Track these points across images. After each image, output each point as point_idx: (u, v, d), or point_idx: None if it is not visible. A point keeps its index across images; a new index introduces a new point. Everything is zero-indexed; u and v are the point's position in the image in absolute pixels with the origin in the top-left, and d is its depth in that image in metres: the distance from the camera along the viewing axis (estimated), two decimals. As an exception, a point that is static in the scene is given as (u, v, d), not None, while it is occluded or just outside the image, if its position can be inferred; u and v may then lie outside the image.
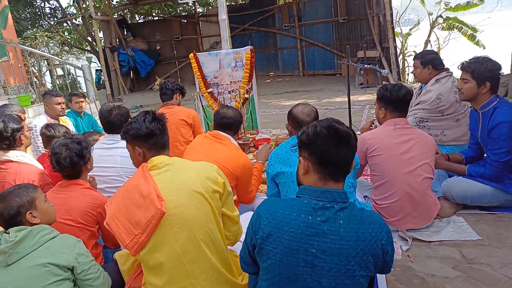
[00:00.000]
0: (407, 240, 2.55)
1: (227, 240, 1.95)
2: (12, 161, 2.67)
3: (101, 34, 13.06)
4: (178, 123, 3.87)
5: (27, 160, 2.76)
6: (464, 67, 2.79)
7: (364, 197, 2.92)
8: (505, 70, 4.31)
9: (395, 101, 2.67)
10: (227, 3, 10.57)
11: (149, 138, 1.94)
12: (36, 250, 1.78)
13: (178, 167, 1.90)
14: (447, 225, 2.68)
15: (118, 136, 2.80)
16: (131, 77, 14.06)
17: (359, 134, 2.84)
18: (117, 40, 13.13)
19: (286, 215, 1.46)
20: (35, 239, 1.79)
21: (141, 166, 1.92)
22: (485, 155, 2.91)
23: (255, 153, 4.69)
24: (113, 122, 2.92)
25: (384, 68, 7.65)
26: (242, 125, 3.02)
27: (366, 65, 4.80)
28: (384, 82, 9.03)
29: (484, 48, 10.87)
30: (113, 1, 14.38)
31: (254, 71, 5.28)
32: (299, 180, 1.59)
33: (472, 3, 10.73)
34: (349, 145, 1.49)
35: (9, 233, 1.79)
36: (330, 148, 1.46)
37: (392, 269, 2.23)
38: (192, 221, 1.78)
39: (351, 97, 4.77)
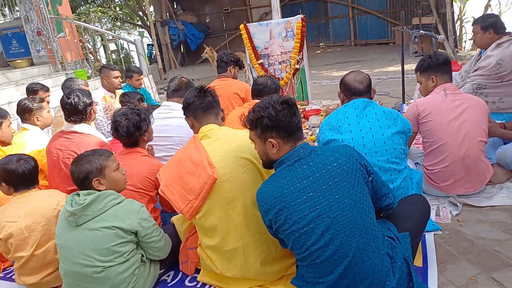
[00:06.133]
0: (457, 205, 2.57)
1: None
2: (77, 132, 2.80)
3: (151, 9, 13.26)
4: (230, 96, 3.87)
5: (90, 131, 2.88)
6: None
7: (416, 164, 2.96)
8: None
9: (442, 64, 2.73)
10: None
11: (189, 108, 2.13)
12: (103, 213, 1.91)
13: (227, 136, 2.04)
14: (500, 190, 2.66)
15: (174, 105, 3.02)
16: (182, 51, 14.31)
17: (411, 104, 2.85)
18: (168, 14, 13.35)
19: None
20: (103, 204, 1.91)
21: (193, 137, 2.09)
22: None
23: (305, 123, 4.78)
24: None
25: (440, 35, 7.32)
26: (277, 90, 3.05)
27: (421, 31, 4.66)
28: (440, 50, 8.63)
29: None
30: (163, -26, 14.54)
31: (305, 41, 5.29)
32: None
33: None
34: None
35: (79, 196, 1.94)
36: None
37: (441, 232, 2.32)
38: (244, 186, 1.92)
39: (405, 66, 4.69)
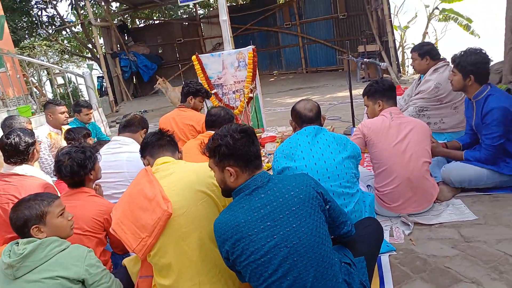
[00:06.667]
0: (409, 225, 2.65)
1: None
2: (17, 174, 2.62)
3: (101, 41, 13.08)
4: (185, 128, 3.79)
5: (32, 173, 2.71)
6: (452, 59, 2.93)
7: (367, 186, 3.05)
8: (499, 57, 4.39)
9: (389, 89, 2.88)
10: (228, 4, 10.64)
11: (146, 147, 2.17)
12: (46, 262, 1.74)
13: (182, 169, 1.99)
14: (446, 207, 2.78)
15: (124, 139, 2.96)
16: (134, 82, 14.14)
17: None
18: (118, 45, 13.23)
19: None
20: (45, 252, 1.75)
21: (144, 170, 2.01)
22: (480, 140, 3.02)
23: (261, 151, 4.81)
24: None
25: (384, 62, 7.76)
26: (230, 121, 3.07)
27: (365, 59, 4.91)
28: (385, 75, 9.12)
29: (479, 37, 11.05)
30: (112, 7, 14.46)
31: (257, 70, 5.41)
32: None
33: (468, -7, 10.93)
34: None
35: (18, 245, 1.75)
36: None
37: (395, 253, 2.38)
38: (199, 220, 1.84)
39: (353, 91, 4.91)
